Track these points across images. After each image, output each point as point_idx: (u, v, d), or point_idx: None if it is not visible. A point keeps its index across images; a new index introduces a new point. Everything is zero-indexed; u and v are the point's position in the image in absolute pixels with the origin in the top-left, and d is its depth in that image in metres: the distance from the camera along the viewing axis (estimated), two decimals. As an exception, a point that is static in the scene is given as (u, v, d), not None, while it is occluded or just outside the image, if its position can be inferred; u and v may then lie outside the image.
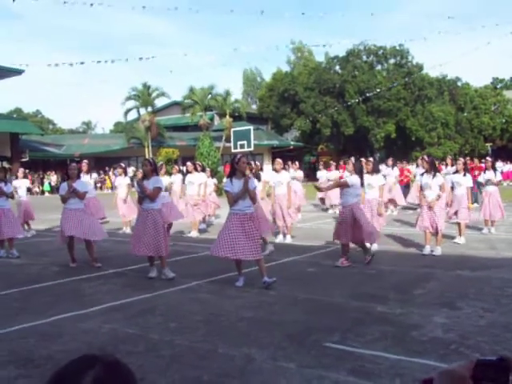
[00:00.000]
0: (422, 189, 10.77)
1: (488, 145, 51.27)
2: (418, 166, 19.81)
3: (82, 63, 29.15)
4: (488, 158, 14.64)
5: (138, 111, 44.51)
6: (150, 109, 44.37)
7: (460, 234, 11.95)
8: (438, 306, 6.85)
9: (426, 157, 11.58)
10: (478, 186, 19.26)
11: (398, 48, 50.06)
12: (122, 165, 17.05)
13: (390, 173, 18.76)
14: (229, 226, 8.12)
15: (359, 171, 9.84)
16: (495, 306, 6.81)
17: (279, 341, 5.67)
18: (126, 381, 1.17)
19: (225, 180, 12.12)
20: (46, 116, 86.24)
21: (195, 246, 11.73)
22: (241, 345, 5.54)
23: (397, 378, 4.62)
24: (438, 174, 10.78)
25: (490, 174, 13.55)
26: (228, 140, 37.38)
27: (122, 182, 15.78)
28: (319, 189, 11.79)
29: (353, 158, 12.73)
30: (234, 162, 8.30)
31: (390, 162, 20.10)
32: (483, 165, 15.56)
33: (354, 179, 9.63)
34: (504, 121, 51.78)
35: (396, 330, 5.96)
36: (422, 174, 10.90)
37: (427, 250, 10.67)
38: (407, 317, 6.46)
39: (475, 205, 17.45)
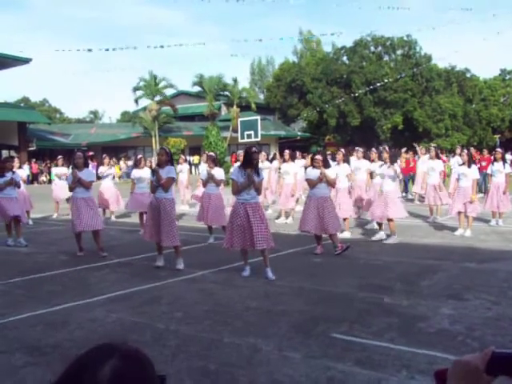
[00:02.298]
0: (371, 176, 11.62)
1: (496, 136, 51.05)
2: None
3: (89, 50, 29.19)
4: (498, 149, 14.45)
5: (151, 98, 44.40)
6: (157, 98, 44.30)
7: (468, 227, 11.89)
8: (444, 298, 6.83)
9: (387, 148, 12.32)
10: (484, 177, 19.27)
11: (405, 39, 49.81)
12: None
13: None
14: (235, 217, 8.22)
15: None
16: (502, 299, 6.79)
17: (285, 331, 5.68)
18: (145, 371, 1.14)
19: (232, 170, 12.15)
20: (54, 105, 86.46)
21: (200, 236, 11.73)
22: (247, 335, 5.54)
23: (403, 369, 4.61)
24: (395, 164, 11.11)
25: (498, 166, 13.45)
26: (235, 130, 37.34)
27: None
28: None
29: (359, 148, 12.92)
30: (247, 153, 8.33)
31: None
32: (492, 156, 15.40)
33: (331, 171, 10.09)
34: (513, 112, 51.54)
35: (402, 321, 5.96)
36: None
37: (381, 235, 11.42)
38: (414, 308, 6.45)
39: (479, 195, 17.43)
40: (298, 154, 18.90)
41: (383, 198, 11.05)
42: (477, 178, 12.34)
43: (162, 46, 35.89)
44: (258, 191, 8.23)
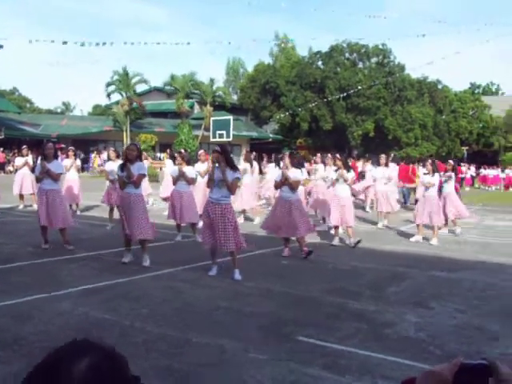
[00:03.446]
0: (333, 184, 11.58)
1: (464, 148, 51.88)
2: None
3: (64, 43, 28.55)
4: (450, 161, 14.69)
5: (121, 94, 44.06)
6: (130, 93, 43.95)
7: (434, 235, 12.12)
8: (411, 305, 6.91)
9: (338, 156, 12.69)
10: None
11: (380, 47, 50.32)
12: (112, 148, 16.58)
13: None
14: (204, 215, 8.30)
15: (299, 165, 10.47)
16: (467, 308, 6.89)
17: (253, 332, 5.67)
18: (120, 370, 1.12)
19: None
20: (24, 94, 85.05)
21: (168, 234, 11.66)
22: (214, 335, 5.52)
23: (367, 375, 4.65)
24: (351, 170, 11.54)
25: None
26: (207, 129, 37.26)
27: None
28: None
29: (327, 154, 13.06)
30: (226, 151, 8.35)
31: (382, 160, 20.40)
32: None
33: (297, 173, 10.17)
34: (481, 126, 52.43)
35: (369, 326, 6.00)
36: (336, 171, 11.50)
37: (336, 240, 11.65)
38: (381, 314, 6.50)
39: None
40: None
41: (340, 203, 11.25)
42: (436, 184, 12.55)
43: (139, 43, 35.62)
44: (231, 190, 8.18)
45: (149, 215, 9.16)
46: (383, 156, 15.58)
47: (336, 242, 11.55)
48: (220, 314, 6.35)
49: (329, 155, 16.18)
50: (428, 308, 6.84)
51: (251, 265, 8.98)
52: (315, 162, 14.07)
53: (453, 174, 13.79)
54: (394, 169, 18.30)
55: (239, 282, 7.90)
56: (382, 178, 14.83)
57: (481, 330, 6.00)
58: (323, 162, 15.23)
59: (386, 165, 15.26)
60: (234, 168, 8.25)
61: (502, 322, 6.32)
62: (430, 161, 13.43)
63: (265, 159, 19.41)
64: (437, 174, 12.43)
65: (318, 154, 14.74)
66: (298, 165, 10.65)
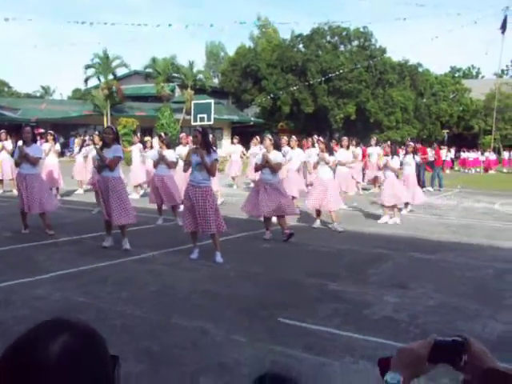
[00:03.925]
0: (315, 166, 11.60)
1: (445, 131, 52.17)
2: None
3: (42, 23, 28.04)
4: (410, 143, 14.83)
5: (99, 79, 43.59)
6: (110, 77, 43.48)
7: (394, 215, 12.60)
8: (390, 286, 6.97)
9: (321, 138, 12.75)
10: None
11: (362, 30, 50.24)
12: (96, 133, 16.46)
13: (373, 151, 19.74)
14: (185, 198, 8.31)
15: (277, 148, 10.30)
16: (444, 288, 6.97)
17: (233, 314, 5.70)
18: (97, 351, 1.07)
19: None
20: (1, 78, 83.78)
21: (149, 217, 11.62)
22: (194, 317, 5.54)
23: (347, 355, 4.69)
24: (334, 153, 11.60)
25: (408, 158, 13.92)
26: (188, 112, 37.03)
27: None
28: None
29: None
30: (206, 134, 8.30)
31: (373, 141, 20.65)
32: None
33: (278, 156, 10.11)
34: (461, 109, 52.71)
35: (349, 308, 6.05)
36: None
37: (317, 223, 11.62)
38: (360, 295, 6.56)
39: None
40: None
41: (322, 186, 11.25)
42: (397, 167, 12.74)
43: (119, 24, 35.10)
44: (211, 172, 8.17)
45: (129, 198, 9.15)
46: (345, 138, 15.81)
47: (317, 224, 11.58)
48: (200, 296, 6.36)
49: (315, 137, 16.34)
50: (407, 289, 6.91)
51: (232, 248, 9.00)
52: (288, 145, 13.94)
53: (408, 157, 14.00)
54: (377, 152, 18.51)
55: (220, 264, 7.92)
56: (345, 160, 14.83)
57: (458, 310, 6.08)
58: (300, 146, 15.29)
59: (348, 147, 15.51)
60: (212, 150, 8.23)
61: (479, 302, 6.40)
62: (388, 143, 13.62)
63: (254, 140, 19.30)
64: (396, 157, 12.70)
65: (294, 137, 14.65)
66: (279, 147, 10.63)
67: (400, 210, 12.98)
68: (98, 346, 1.09)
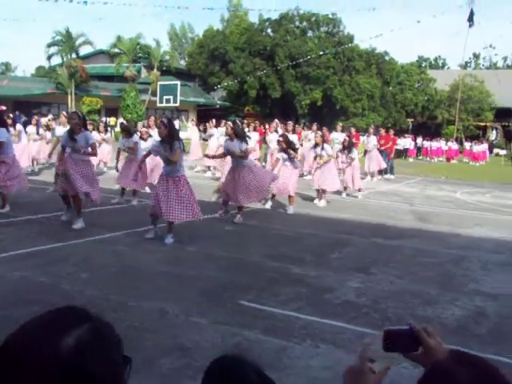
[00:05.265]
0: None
1: (409, 120, 52.70)
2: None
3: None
4: (318, 133, 14.28)
5: (62, 57, 42.72)
6: (74, 55, 42.65)
7: (323, 198, 12.86)
8: (352, 271, 7.00)
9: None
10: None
11: (330, 17, 50.25)
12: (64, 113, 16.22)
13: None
14: (157, 187, 8.28)
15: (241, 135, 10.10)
16: (405, 274, 7.03)
17: (194, 296, 5.64)
18: (112, 352, 0.98)
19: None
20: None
21: (114, 198, 11.47)
22: (154, 298, 5.47)
23: (308, 338, 4.69)
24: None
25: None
26: (154, 94, 36.65)
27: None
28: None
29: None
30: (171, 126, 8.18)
31: (339, 127, 20.85)
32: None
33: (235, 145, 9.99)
34: (426, 99, 53.21)
35: (310, 291, 6.05)
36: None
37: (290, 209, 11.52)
38: (322, 279, 6.56)
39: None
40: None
41: (288, 172, 11.39)
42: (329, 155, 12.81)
43: (85, 2, 34.26)
44: (177, 162, 8.05)
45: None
46: (290, 123, 16.15)
47: (268, 205, 11.75)
48: (161, 278, 6.29)
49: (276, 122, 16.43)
50: (369, 274, 6.94)
51: (195, 230, 8.93)
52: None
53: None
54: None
55: (183, 246, 7.84)
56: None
57: (419, 295, 6.13)
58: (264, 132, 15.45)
59: (293, 131, 15.78)
60: (178, 139, 8.10)
61: (439, 288, 6.47)
62: (319, 133, 13.73)
63: (209, 123, 19.24)
64: (326, 145, 12.76)
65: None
66: (242, 134, 10.40)
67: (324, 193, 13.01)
68: (115, 345, 1.01)
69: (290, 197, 11.51)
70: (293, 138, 14.49)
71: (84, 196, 8.86)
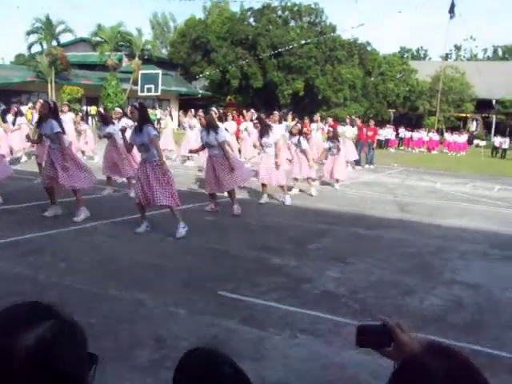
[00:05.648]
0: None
1: (391, 111, 52.88)
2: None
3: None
4: (298, 125, 13.62)
5: (42, 45, 42.18)
6: (54, 43, 42.12)
7: (312, 187, 12.92)
8: (331, 261, 7.00)
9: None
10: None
11: (312, 6, 50.17)
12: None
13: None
14: (139, 174, 8.07)
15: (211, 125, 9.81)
16: (384, 264, 7.05)
17: (172, 287, 5.61)
18: (76, 350, 0.95)
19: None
20: None
21: (95, 187, 11.36)
22: (132, 289, 5.42)
23: (287, 328, 4.68)
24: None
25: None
26: (136, 83, 36.39)
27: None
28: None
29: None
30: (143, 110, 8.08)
31: (316, 117, 20.45)
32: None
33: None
34: (408, 89, 53.39)
35: (289, 281, 6.04)
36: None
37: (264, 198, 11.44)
38: (301, 270, 6.56)
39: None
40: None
41: (270, 161, 11.20)
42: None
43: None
44: (157, 150, 7.96)
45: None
46: (276, 113, 15.96)
47: (264, 200, 11.44)
48: (140, 268, 6.24)
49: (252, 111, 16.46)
50: (348, 264, 6.95)
51: (174, 220, 8.86)
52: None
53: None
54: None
55: (162, 237, 7.79)
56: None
57: (398, 285, 6.15)
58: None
59: (280, 122, 15.59)
60: (150, 124, 8.01)
61: (418, 277, 6.50)
62: (298, 126, 13.36)
63: (189, 113, 19.19)
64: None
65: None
66: (214, 124, 10.16)
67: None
68: (79, 343, 0.98)
69: (280, 186, 11.42)
70: (279, 128, 14.45)
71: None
